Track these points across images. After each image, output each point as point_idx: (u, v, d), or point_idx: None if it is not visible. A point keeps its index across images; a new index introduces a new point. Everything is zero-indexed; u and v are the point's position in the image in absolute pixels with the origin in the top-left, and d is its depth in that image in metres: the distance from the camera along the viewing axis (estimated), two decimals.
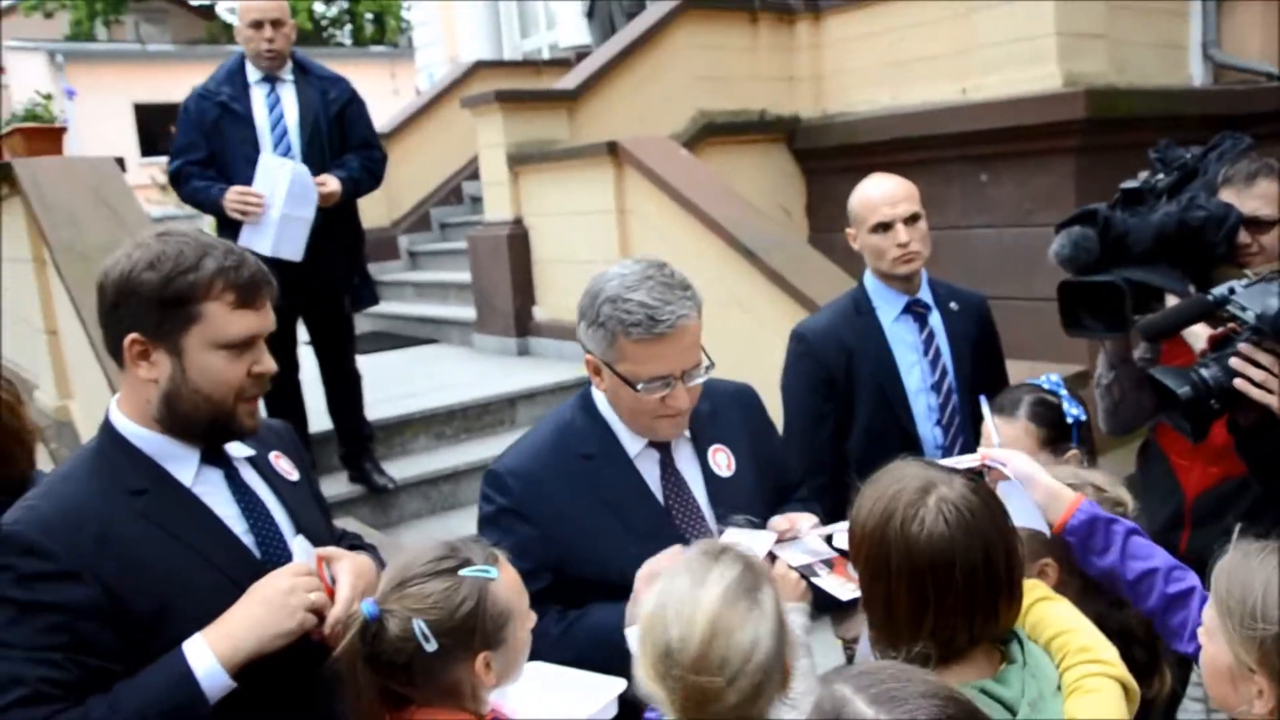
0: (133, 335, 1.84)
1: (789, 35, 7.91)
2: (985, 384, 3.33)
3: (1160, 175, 2.52)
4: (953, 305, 3.42)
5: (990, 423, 2.19)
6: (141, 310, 1.83)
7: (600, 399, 2.27)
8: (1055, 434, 2.53)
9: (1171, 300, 2.43)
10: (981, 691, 1.53)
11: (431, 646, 1.68)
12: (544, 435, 2.30)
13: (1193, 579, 1.84)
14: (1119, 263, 2.44)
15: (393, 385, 6.09)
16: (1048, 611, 1.69)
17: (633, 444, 2.24)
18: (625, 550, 2.10)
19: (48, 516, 1.77)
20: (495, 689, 1.81)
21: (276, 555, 1.93)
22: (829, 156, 7.69)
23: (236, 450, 2.00)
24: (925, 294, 3.38)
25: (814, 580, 2.06)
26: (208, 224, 4.84)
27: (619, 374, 2.13)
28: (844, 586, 2.03)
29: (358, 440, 5.11)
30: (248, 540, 1.92)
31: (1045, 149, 6.31)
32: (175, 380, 1.85)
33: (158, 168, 18.02)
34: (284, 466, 2.10)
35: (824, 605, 2.32)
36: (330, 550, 1.98)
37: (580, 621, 2.11)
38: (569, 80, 7.43)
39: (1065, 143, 6.20)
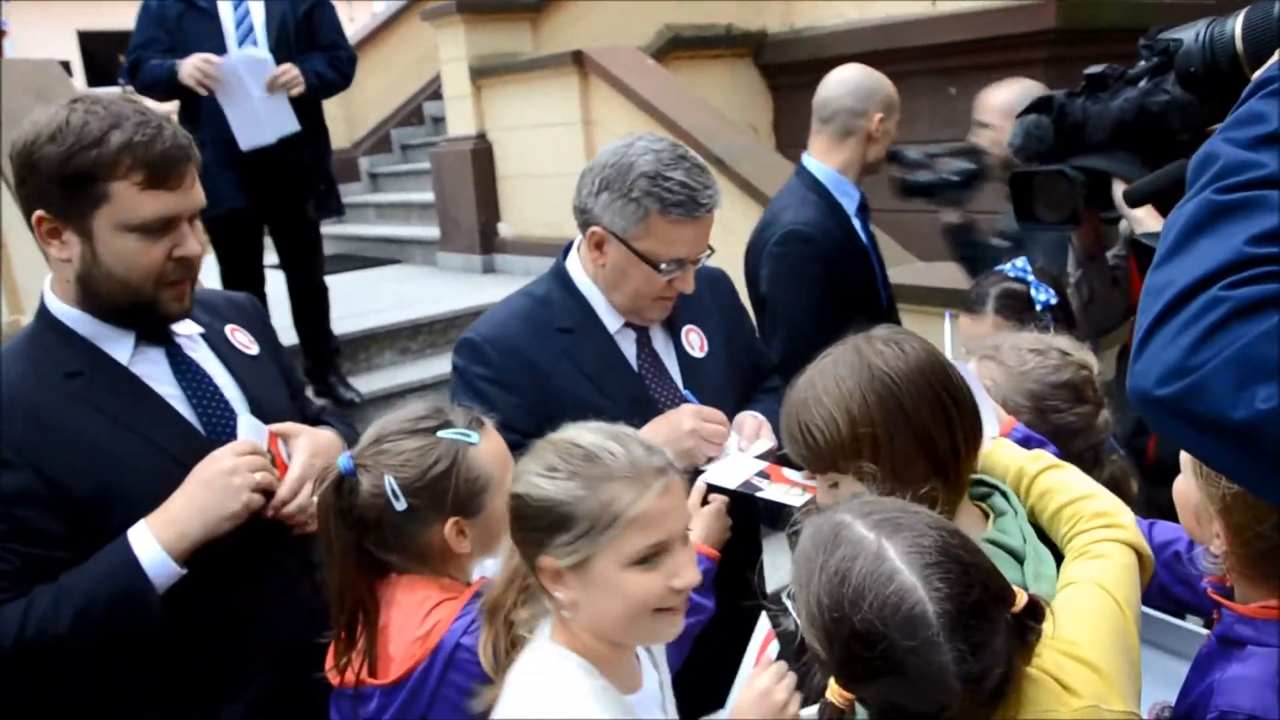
0: (38, 213, 1.73)
1: None
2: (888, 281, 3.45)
3: (1142, 63, 2.44)
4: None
5: (948, 336, 2.15)
6: (44, 187, 1.71)
7: (578, 273, 2.23)
8: (1025, 322, 2.44)
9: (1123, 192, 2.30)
10: (990, 543, 1.49)
11: (400, 505, 1.66)
12: (518, 308, 2.26)
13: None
14: (1077, 152, 2.31)
15: (357, 302, 6.01)
16: (1057, 479, 1.66)
17: (611, 320, 2.22)
18: (609, 419, 2.08)
19: None
20: (476, 560, 1.78)
21: (223, 433, 1.86)
22: (796, 71, 7.59)
23: (183, 327, 1.91)
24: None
25: (758, 495, 2.01)
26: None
27: (638, 251, 2.10)
28: (790, 492, 1.98)
29: (323, 355, 5.05)
30: (191, 418, 1.85)
31: (1015, 60, 6.23)
32: (87, 262, 1.75)
33: None
34: (241, 340, 2.02)
35: (777, 518, 2.29)
36: (286, 426, 1.92)
37: None
38: None
39: (1035, 54, 6.16)
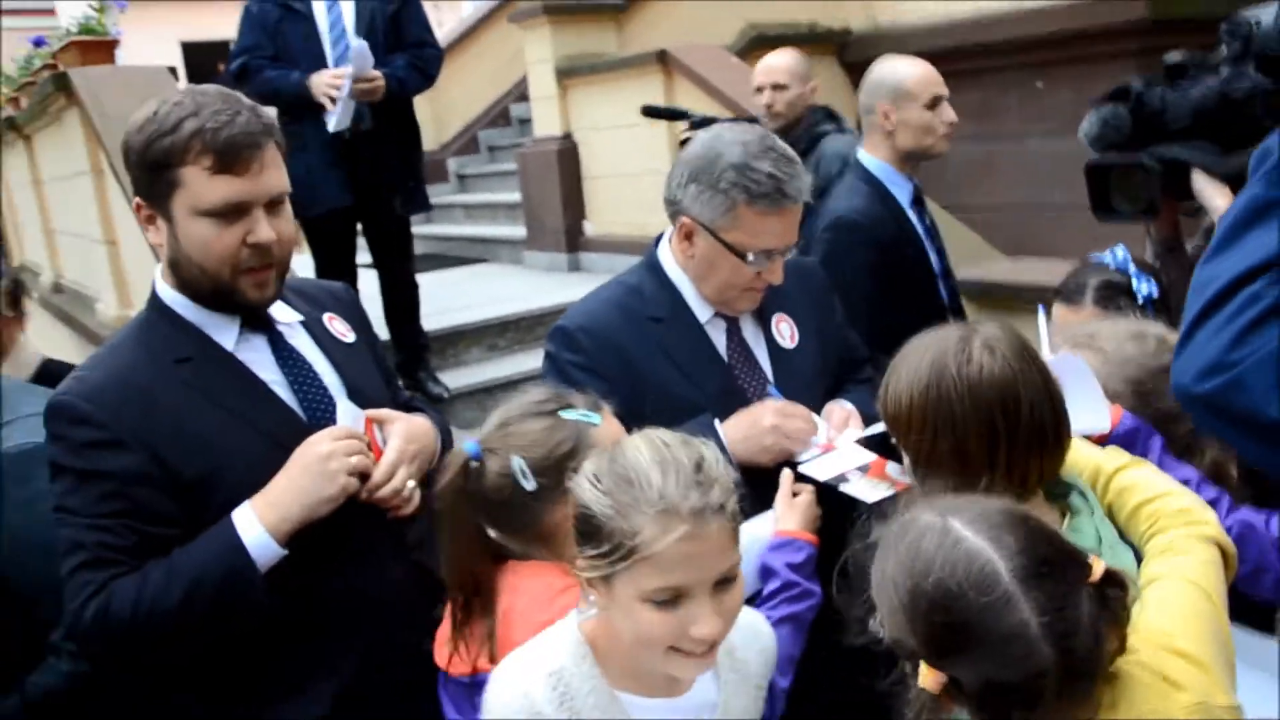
0: (136, 199, 1.85)
1: None
2: (950, 273, 3.44)
3: (1223, 49, 2.35)
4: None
5: (1044, 330, 2.13)
6: (136, 174, 1.82)
7: (669, 264, 2.26)
8: (1124, 309, 2.33)
9: (1204, 181, 2.17)
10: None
11: (530, 485, 1.68)
12: (611, 296, 2.30)
13: (1217, 490, 1.80)
14: (1154, 141, 2.24)
15: (446, 300, 6.13)
16: (1135, 476, 1.66)
17: (702, 310, 2.24)
18: (696, 409, 2.12)
19: (95, 386, 1.80)
20: None
21: (323, 418, 1.91)
22: None
23: (284, 315, 1.97)
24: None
25: (842, 487, 2.00)
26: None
27: (725, 242, 2.12)
28: (874, 488, 1.97)
29: (414, 350, 5.17)
30: (293, 403, 1.91)
31: (1104, 53, 6.14)
32: (173, 247, 1.83)
33: None
34: (339, 329, 2.08)
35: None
36: (382, 412, 1.96)
37: None
38: None
39: (1125, 46, 6.03)
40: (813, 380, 2.29)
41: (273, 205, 1.82)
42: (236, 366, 1.88)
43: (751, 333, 2.31)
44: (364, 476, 1.83)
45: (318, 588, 1.87)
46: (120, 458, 1.74)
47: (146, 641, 1.75)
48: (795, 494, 2.01)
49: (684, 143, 4.28)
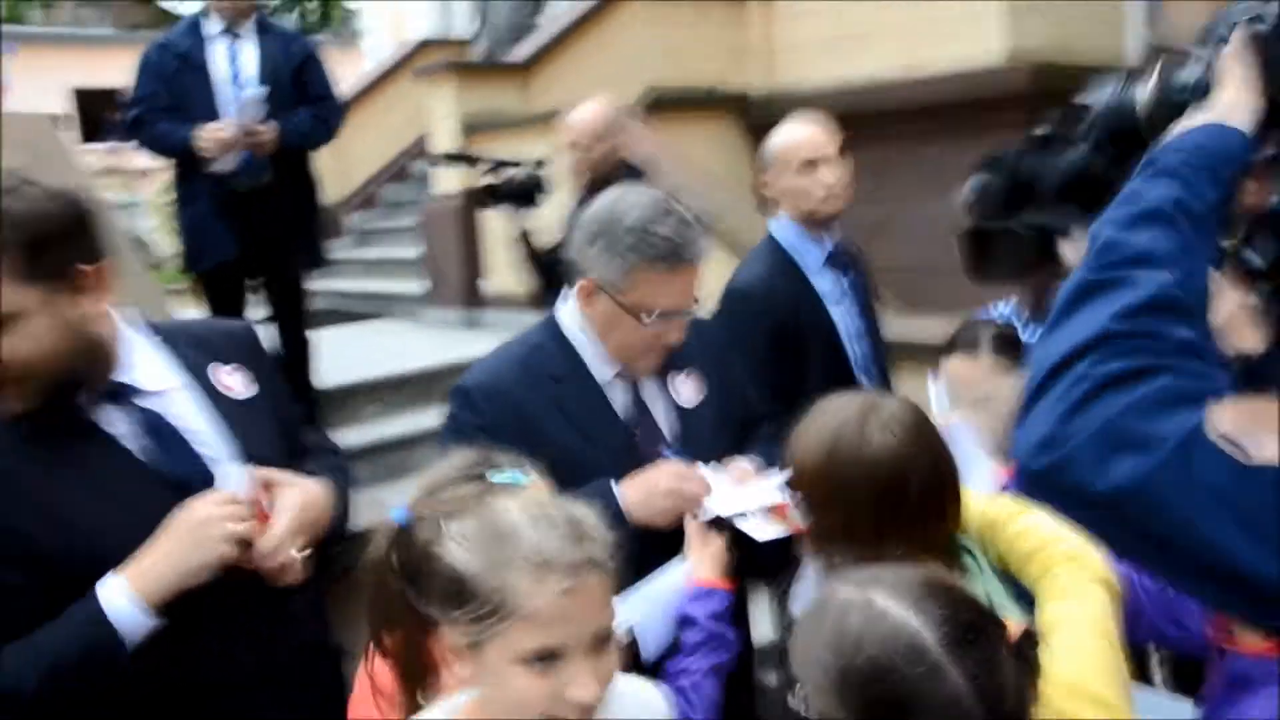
0: None
1: (739, 10, 7.93)
2: (874, 330, 3.41)
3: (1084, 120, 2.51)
4: (854, 251, 3.45)
5: (933, 392, 2.18)
6: None
7: (568, 325, 2.26)
8: (1018, 359, 2.48)
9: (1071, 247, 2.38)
10: None
11: None
12: (512, 355, 2.28)
13: None
14: (1025, 209, 2.24)
15: (341, 355, 6.01)
16: (1025, 523, 1.69)
17: (601, 370, 2.24)
18: (595, 469, 2.11)
19: None
20: None
21: (197, 485, 1.81)
22: None
23: (153, 381, 1.86)
24: (836, 242, 3.36)
25: (738, 523, 2.04)
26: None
27: (623, 304, 2.12)
28: (768, 527, 2.01)
29: (305, 405, 5.06)
30: (160, 469, 1.81)
31: (991, 122, 6.38)
32: None
33: (98, 154, 17.69)
34: (229, 383, 1.97)
35: (756, 571, 2.30)
36: (274, 474, 1.87)
37: None
38: (520, 52, 7.41)
39: (1010, 116, 6.27)
40: (713, 439, 2.30)
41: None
42: (103, 442, 1.79)
43: (652, 392, 2.30)
44: (249, 543, 1.76)
45: (192, 659, 1.79)
46: None
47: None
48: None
49: (485, 188, 4.47)
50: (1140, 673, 1.93)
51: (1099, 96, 1.61)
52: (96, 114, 23.05)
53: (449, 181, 7.21)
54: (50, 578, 1.70)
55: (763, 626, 2.27)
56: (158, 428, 1.84)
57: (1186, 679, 2.05)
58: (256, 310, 4.94)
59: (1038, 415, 1.02)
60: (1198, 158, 1.14)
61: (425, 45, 10.33)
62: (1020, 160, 2.41)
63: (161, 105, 4.57)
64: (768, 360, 3.12)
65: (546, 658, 1.34)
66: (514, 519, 1.40)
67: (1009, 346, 2.51)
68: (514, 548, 1.36)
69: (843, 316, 3.33)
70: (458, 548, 1.40)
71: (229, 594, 1.77)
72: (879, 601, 1.18)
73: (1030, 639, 1.22)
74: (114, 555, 1.70)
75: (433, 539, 1.59)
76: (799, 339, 3.23)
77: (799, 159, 3.22)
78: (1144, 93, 1.47)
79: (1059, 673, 1.32)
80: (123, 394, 1.83)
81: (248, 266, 4.75)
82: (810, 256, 3.30)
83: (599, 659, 1.38)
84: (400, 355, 6.15)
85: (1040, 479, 1.00)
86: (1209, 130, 1.17)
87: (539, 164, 4.49)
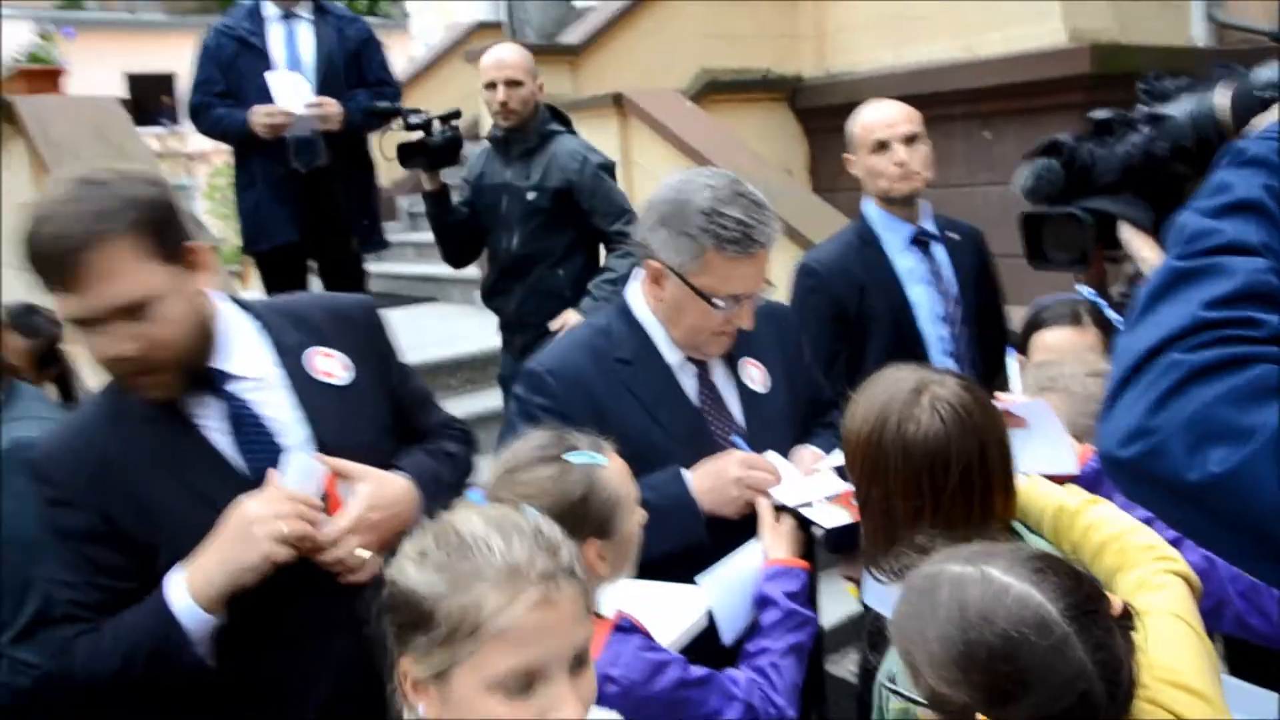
0: None
1: None
2: (986, 316, 3.37)
3: (1142, 107, 2.52)
4: (953, 236, 3.43)
5: (1015, 372, 2.18)
6: None
7: (639, 307, 2.26)
8: (1110, 335, 2.54)
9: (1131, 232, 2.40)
10: None
11: None
12: (579, 338, 2.29)
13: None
14: (1085, 194, 2.34)
15: (398, 339, 6.05)
16: (1099, 514, 1.68)
17: (671, 354, 2.23)
18: (665, 453, 2.12)
19: (54, 448, 1.80)
20: (608, 581, 1.75)
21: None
22: (831, 115, 7.62)
23: (249, 367, 1.84)
24: (928, 223, 3.39)
25: (804, 511, 2.06)
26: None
27: (694, 286, 2.11)
28: (833, 515, 2.03)
29: None
30: (241, 465, 1.79)
31: (1049, 105, 6.30)
32: None
33: (153, 138, 17.89)
34: (325, 367, 1.90)
35: (834, 547, 2.31)
36: (350, 467, 1.81)
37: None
38: (572, 35, 7.41)
39: (1070, 98, 6.19)
40: (782, 424, 2.30)
41: (130, 312, 1.64)
42: (191, 432, 1.80)
43: (721, 376, 2.30)
44: (305, 539, 1.73)
45: (259, 658, 1.78)
46: (74, 517, 1.73)
47: (97, 701, 1.73)
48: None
49: (416, 143, 4.35)
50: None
51: (1180, 107, 1.60)
52: (149, 98, 23.34)
53: None
54: (144, 565, 1.74)
55: (830, 612, 2.27)
56: (242, 419, 1.82)
57: (1244, 669, 2.04)
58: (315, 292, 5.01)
59: (1125, 404, 1.01)
60: None
61: (480, 28, 10.34)
62: (1079, 146, 2.44)
63: (219, 90, 4.64)
64: (824, 335, 3.18)
65: (524, 681, 1.21)
66: (476, 529, 1.28)
67: (1101, 322, 2.55)
68: (481, 559, 1.24)
69: (925, 298, 3.33)
70: (415, 567, 1.27)
71: (294, 593, 1.75)
72: (998, 576, 1.19)
73: (1129, 616, 1.22)
74: (189, 550, 1.72)
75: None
76: (861, 317, 3.26)
77: (872, 139, 3.27)
78: (1223, 97, 1.49)
79: (1152, 661, 1.31)
80: (215, 380, 1.81)
81: (307, 248, 4.80)
82: (894, 236, 3.33)
83: (580, 679, 1.27)
84: (456, 339, 6.19)
85: (1128, 468, 1.00)
86: None
87: (450, 116, 4.40)
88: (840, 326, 3.26)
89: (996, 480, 1.61)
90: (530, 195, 4.19)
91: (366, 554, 1.77)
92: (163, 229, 1.68)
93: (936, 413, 1.57)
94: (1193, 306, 1.01)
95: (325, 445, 1.84)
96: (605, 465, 1.73)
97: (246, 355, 1.86)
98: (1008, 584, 1.18)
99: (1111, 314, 2.53)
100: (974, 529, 1.56)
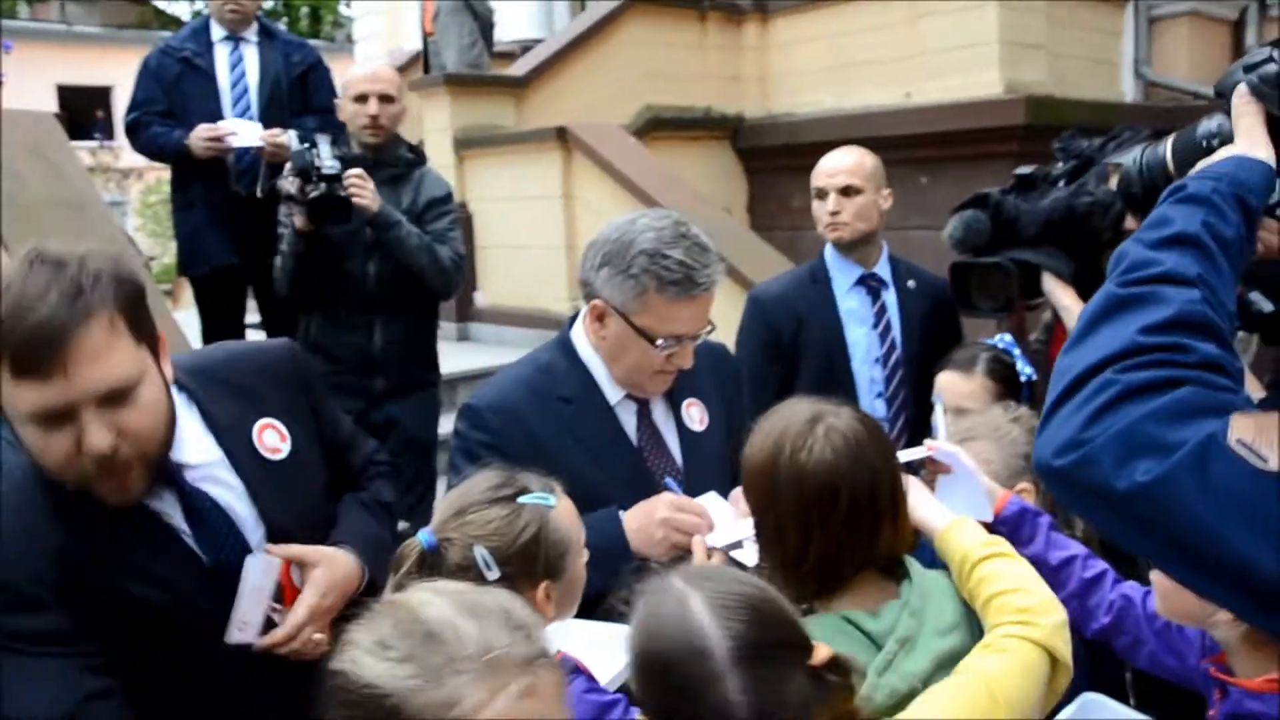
0: None
1: (736, 35, 8.01)
2: (914, 358, 3.43)
3: (1059, 164, 2.63)
4: (910, 284, 3.49)
5: (940, 419, 2.22)
6: None
7: (582, 344, 2.25)
8: (1008, 391, 2.60)
9: (1053, 282, 2.50)
10: (846, 620, 1.58)
11: (493, 574, 1.59)
12: (521, 375, 2.27)
13: (1104, 564, 1.91)
14: (1009, 245, 2.54)
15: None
16: (993, 568, 1.68)
17: (612, 392, 2.22)
18: (602, 494, 2.10)
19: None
20: (553, 622, 1.71)
21: (233, 566, 1.74)
22: (772, 156, 7.79)
23: (198, 454, 1.77)
24: (883, 269, 3.46)
25: (733, 553, 2.05)
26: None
27: (636, 326, 2.11)
28: (757, 555, 2.03)
29: None
30: (200, 550, 1.75)
31: (985, 154, 6.46)
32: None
33: (86, 152, 17.58)
34: (270, 443, 1.86)
35: None
36: (303, 553, 1.80)
37: None
38: (518, 67, 7.44)
39: (1004, 148, 6.36)
40: (720, 462, 2.30)
41: (111, 400, 1.53)
42: (142, 526, 1.71)
43: (661, 415, 2.30)
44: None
45: None
46: (40, 619, 1.62)
47: None
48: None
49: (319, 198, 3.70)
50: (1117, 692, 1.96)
51: (1120, 159, 1.70)
52: (82, 112, 22.93)
53: None
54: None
55: None
56: (199, 511, 1.76)
57: (1153, 705, 2.10)
58: (250, 316, 4.93)
59: (1062, 417, 1.07)
60: (1227, 185, 1.20)
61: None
62: (1005, 199, 2.58)
63: (160, 110, 4.54)
64: (759, 361, 3.30)
65: None
66: (442, 614, 1.14)
67: (1002, 371, 2.63)
68: (455, 647, 1.11)
69: (863, 339, 3.39)
70: (375, 659, 1.12)
71: (241, 678, 1.73)
72: (692, 603, 1.26)
73: (836, 666, 1.28)
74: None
75: (462, 560, 1.58)
76: (796, 348, 3.35)
77: (814, 186, 3.40)
78: (1167, 148, 1.57)
79: (906, 716, 1.41)
80: (172, 472, 1.73)
81: (245, 272, 4.73)
82: (844, 277, 3.42)
83: None
84: None
85: (1062, 476, 1.05)
86: (1237, 160, 1.25)
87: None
88: (774, 352, 3.37)
89: (885, 513, 1.63)
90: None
91: (320, 637, 1.77)
92: (138, 309, 1.60)
93: (829, 443, 1.60)
94: (1130, 331, 1.08)
95: (274, 525, 1.82)
96: (554, 506, 1.70)
97: (194, 444, 1.79)
98: (693, 611, 1.25)
99: (1021, 363, 2.62)
100: (862, 560, 1.62)
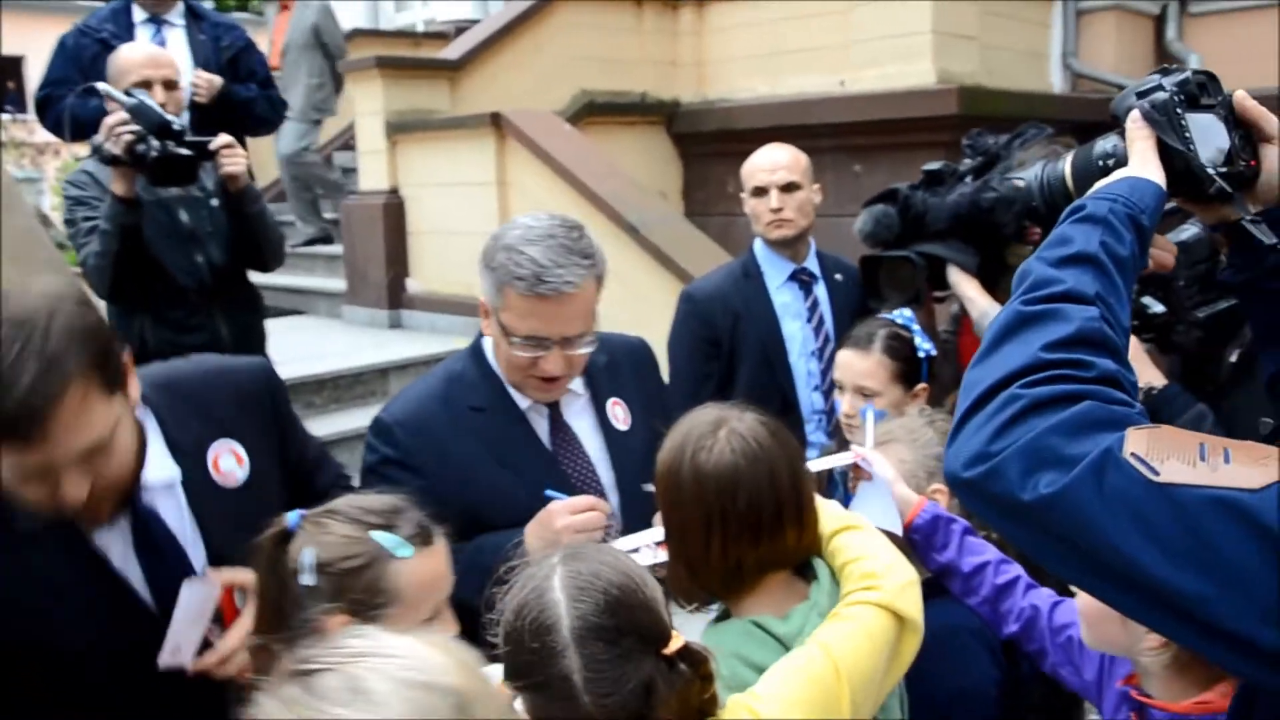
0: None
1: (673, 20, 7.97)
2: None
3: (967, 160, 2.68)
4: (838, 276, 3.53)
5: (870, 425, 2.23)
6: None
7: (490, 349, 2.24)
8: (908, 368, 2.61)
9: (959, 275, 2.58)
10: (755, 625, 1.61)
11: (305, 579, 1.56)
12: (433, 386, 2.24)
13: (1018, 569, 1.96)
14: (917, 239, 2.62)
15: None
16: (843, 540, 1.74)
17: (522, 398, 2.20)
18: (516, 503, 2.06)
19: None
20: None
21: (170, 589, 1.75)
22: (707, 141, 7.78)
23: (158, 472, 1.78)
24: (812, 263, 3.49)
25: (635, 558, 2.06)
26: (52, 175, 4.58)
27: (500, 322, 2.09)
28: (653, 556, 1.98)
29: None
30: (144, 593, 1.76)
31: (917, 142, 6.50)
32: None
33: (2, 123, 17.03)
34: (225, 467, 1.88)
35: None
36: (244, 577, 1.78)
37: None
38: (451, 50, 7.34)
39: (937, 137, 6.41)
40: (646, 460, 2.28)
41: (89, 456, 1.58)
42: (94, 559, 1.73)
43: (582, 416, 2.28)
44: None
45: None
46: None
47: None
48: None
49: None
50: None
51: (1022, 176, 1.79)
52: None
53: (375, 178, 7.10)
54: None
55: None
56: (149, 531, 1.77)
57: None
58: None
59: (970, 430, 1.12)
60: (1122, 205, 1.27)
61: (355, 34, 10.15)
62: (913, 195, 2.65)
63: (74, 90, 4.37)
64: (695, 359, 3.37)
65: None
66: (383, 689, 0.96)
67: (900, 348, 2.64)
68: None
69: (799, 333, 3.44)
70: None
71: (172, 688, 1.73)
72: (553, 579, 1.36)
73: (690, 655, 1.35)
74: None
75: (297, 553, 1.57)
76: (734, 344, 3.39)
77: (752, 184, 3.40)
78: (1066, 166, 1.64)
79: (753, 690, 1.47)
80: (133, 494, 1.76)
81: None
82: (775, 272, 3.46)
83: None
84: (321, 356, 6.03)
85: (971, 487, 1.09)
86: (1131, 182, 1.32)
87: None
88: (711, 350, 3.40)
89: (788, 513, 1.66)
90: (215, 202, 3.61)
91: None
92: (108, 357, 1.61)
93: (729, 444, 1.64)
94: (1033, 348, 1.14)
95: (217, 552, 1.82)
96: (405, 559, 1.60)
97: (155, 459, 1.80)
98: (550, 589, 1.34)
99: (920, 339, 2.64)
100: (767, 561, 1.66)
